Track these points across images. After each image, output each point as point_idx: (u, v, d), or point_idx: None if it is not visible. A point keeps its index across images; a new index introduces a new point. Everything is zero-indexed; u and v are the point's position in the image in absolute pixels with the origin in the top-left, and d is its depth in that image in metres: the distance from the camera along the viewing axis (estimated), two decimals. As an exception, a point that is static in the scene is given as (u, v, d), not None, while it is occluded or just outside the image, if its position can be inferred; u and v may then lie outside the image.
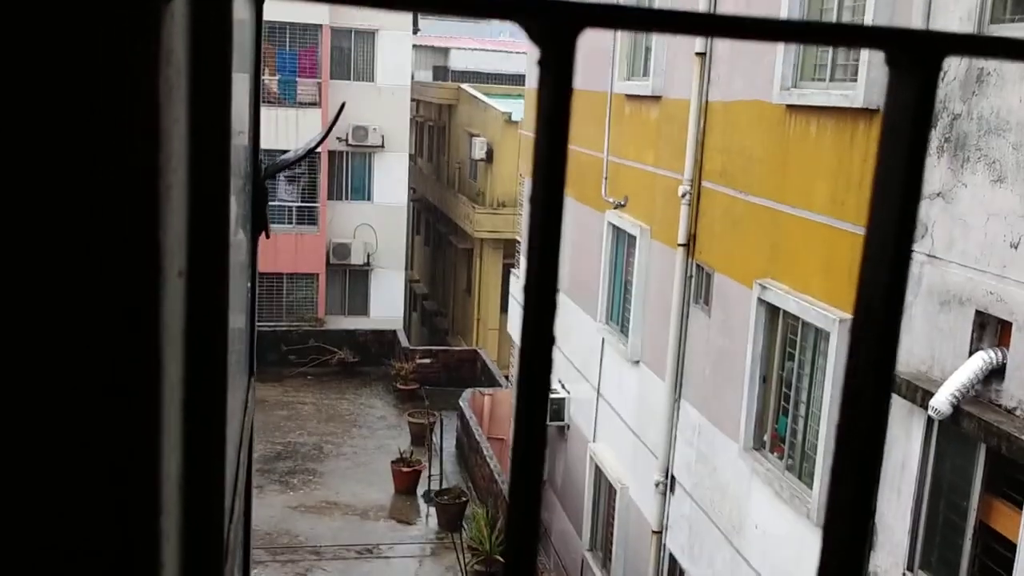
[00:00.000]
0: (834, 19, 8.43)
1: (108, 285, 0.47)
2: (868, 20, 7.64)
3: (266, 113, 25.74)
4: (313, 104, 26.64)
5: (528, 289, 0.48)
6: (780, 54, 8.94)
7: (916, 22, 7.07)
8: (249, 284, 1.58)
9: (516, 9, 0.43)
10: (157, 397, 0.47)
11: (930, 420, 6.67)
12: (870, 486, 0.52)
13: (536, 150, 0.47)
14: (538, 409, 0.50)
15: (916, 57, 0.47)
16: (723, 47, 10.35)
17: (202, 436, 0.66)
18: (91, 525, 0.51)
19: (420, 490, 18.28)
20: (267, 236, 1.67)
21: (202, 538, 0.79)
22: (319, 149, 26.25)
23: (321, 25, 26.33)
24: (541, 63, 0.44)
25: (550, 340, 0.46)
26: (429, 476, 18.09)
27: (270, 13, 27.53)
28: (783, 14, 8.88)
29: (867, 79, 7.63)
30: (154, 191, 0.44)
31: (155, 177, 0.44)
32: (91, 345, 0.48)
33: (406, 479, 18.27)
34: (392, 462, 18.50)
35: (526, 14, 0.43)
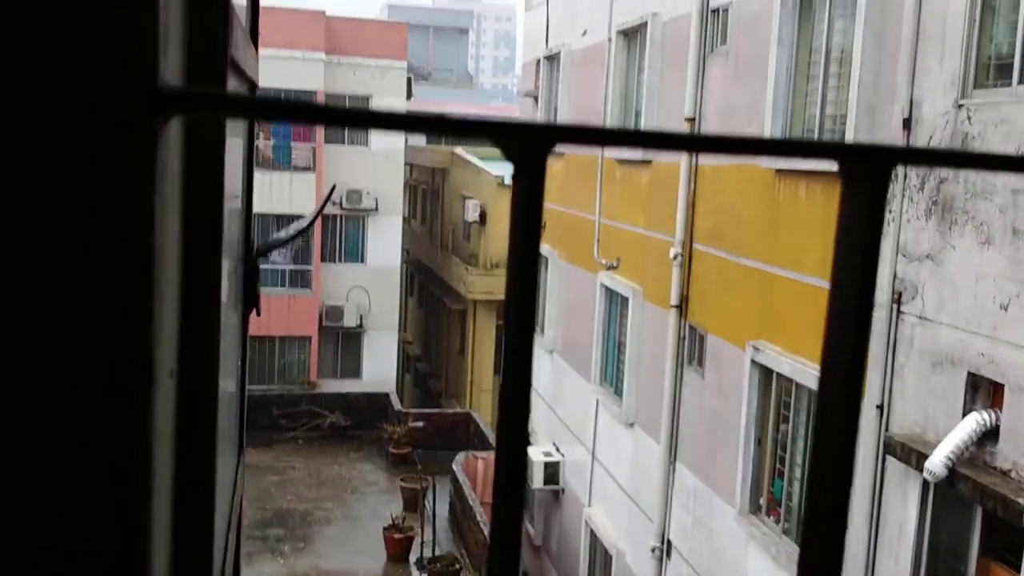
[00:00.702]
0: (819, 91, 8.58)
1: (100, 385, 0.49)
2: (854, 86, 7.79)
3: (261, 177, 25.92)
4: (307, 168, 26.89)
5: (502, 404, 0.50)
6: (768, 118, 9.09)
7: (901, 89, 7.21)
8: (239, 363, 1.60)
9: (490, 130, 0.46)
10: (146, 495, 0.49)
11: (925, 483, 6.65)
12: (842, 522, 0.54)
13: (510, 257, 0.50)
14: (517, 482, 0.52)
15: (866, 168, 0.50)
16: (712, 112, 10.51)
17: (190, 532, 0.67)
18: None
19: (413, 557, 18.03)
20: (258, 314, 1.69)
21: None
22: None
23: (316, 91, 26.70)
24: (514, 177, 0.47)
25: (525, 442, 0.48)
26: (422, 542, 17.86)
27: (266, 80, 27.92)
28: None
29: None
30: (147, 303, 0.46)
31: (148, 291, 0.46)
32: (83, 443, 0.50)
33: (398, 546, 18.02)
34: (384, 528, 18.27)
35: (499, 134, 0.46)
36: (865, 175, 0.50)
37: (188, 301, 0.64)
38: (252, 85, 1.51)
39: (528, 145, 0.46)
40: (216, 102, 0.44)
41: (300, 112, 0.42)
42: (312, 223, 2.76)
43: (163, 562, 0.60)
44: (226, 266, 1.18)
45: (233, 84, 1.06)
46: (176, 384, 0.60)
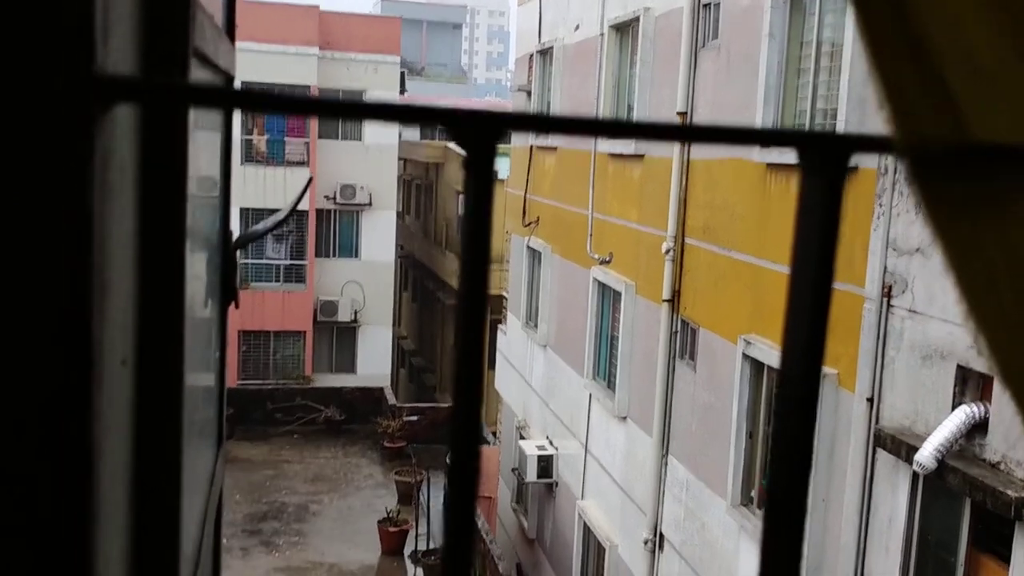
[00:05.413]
0: (810, 84, 8.59)
1: (38, 375, 0.49)
2: (844, 79, 7.79)
3: (255, 172, 25.93)
4: (301, 163, 26.84)
5: (457, 383, 0.49)
6: (759, 111, 9.09)
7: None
8: (218, 353, 1.59)
9: (440, 117, 0.46)
10: (89, 487, 0.48)
11: (915, 475, 6.67)
12: (801, 506, 0.53)
13: (462, 242, 0.49)
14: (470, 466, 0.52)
15: (824, 157, 0.50)
16: (704, 106, 10.51)
17: (152, 526, 0.66)
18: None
19: (407, 550, 18.06)
20: (236, 306, 1.69)
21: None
22: (306, 208, 26.39)
23: (309, 86, 26.64)
24: (466, 165, 0.47)
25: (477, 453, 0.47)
26: (416, 536, 17.90)
27: (259, 75, 27.51)
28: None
29: (845, 137, 7.75)
30: (85, 290, 0.46)
31: (87, 277, 0.46)
32: (17, 432, 0.49)
33: (393, 539, 18.05)
34: (379, 522, 18.30)
35: (450, 122, 0.46)
36: (823, 164, 0.50)
37: (147, 290, 0.63)
38: (228, 78, 1.50)
39: (478, 132, 0.45)
40: (155, 89, 0.43)
41: (239, 100, 0.42)
42: (289, 215, 2.76)
43: (119, 557, 0.60)
44: (201, 257, 1.18)
45: (201, 76, 1.05)
46: (134, 374, 0.60)
